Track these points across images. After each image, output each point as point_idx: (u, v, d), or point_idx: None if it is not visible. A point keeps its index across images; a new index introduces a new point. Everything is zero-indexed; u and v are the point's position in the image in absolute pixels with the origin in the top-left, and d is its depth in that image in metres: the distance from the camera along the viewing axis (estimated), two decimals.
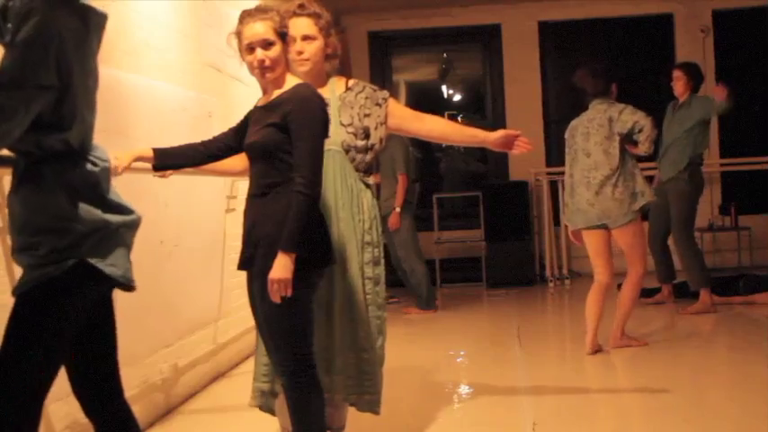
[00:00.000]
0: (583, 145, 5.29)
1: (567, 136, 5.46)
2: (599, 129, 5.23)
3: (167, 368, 4.39)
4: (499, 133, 3.58)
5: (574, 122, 5.43)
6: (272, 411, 3.50)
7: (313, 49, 3.38)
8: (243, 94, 5.50)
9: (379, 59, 10.08)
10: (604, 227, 5.23)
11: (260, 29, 2.91)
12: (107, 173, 2.26)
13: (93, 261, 2.17)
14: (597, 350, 5.31)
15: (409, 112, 3.65)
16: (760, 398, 4.15)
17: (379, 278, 3.54)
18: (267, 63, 2.91)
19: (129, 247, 2.33)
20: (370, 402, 3.49)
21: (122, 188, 3.54)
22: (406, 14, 9.83)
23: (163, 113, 4.50)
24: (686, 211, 6.64)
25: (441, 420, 4.16)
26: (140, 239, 4.16)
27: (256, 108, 2.99)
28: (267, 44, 2.91)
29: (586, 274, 9.13)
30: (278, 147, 2.83)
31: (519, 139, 3.57)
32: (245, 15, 2.97)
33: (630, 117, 5.18)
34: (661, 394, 4.35)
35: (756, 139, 9.57)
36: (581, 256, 9.44)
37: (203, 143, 3.19)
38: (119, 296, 3.31)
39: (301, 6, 3.38)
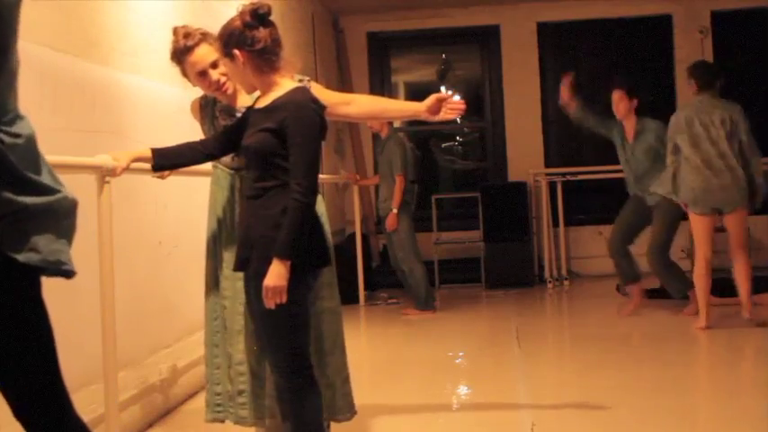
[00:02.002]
0: (705, 134, 5.79)
1: (682, 124, 5.86)
2: (721, 124, 5.76)
3: (166, 369, 4.38)
4: (430, 100, 3.39)
5: (687, 113, 5.88)
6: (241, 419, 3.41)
7: (227, 70, 3.18)
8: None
9: (378, 60, 10.08)
10: (718, 212, 5.89)
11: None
12: (27, 147, 1.91)
13: (5, 251, 1.85)
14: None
15: (334, 98, 3.43)
16: (759, 399, 4.16)
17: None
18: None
19: (61, 231, 1.97)
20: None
21: (121, 189, 3.56)
22: (404, 15, 9.84)
23: (162, 114, 4.50)
24: (672, 231, 6.51)
25: (440, 421, 4.16)
26: (139, 240, 4.19)
27: (253, 110, 2.99)
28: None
29: (585, 275, 9.13)
30: (272, 152, 2.83)
31: (449, 103, 3.39)
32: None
33: (747, 139, 5.84)
34: (659, 394, 4.36)
35: (755, 139, 9.55)
36: (580, 257, 9.44)
37: (201, 142, 3.20)
38: (118, 297, 3.32)
39: (187, 35, 3.30)
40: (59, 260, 1.94)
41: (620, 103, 6.49)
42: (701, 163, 5.80)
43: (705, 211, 5.88)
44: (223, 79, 3.31)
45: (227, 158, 3.35)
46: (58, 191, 1.95)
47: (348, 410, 3.44)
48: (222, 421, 3.46)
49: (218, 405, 3.43)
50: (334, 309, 3.40)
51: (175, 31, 3.33)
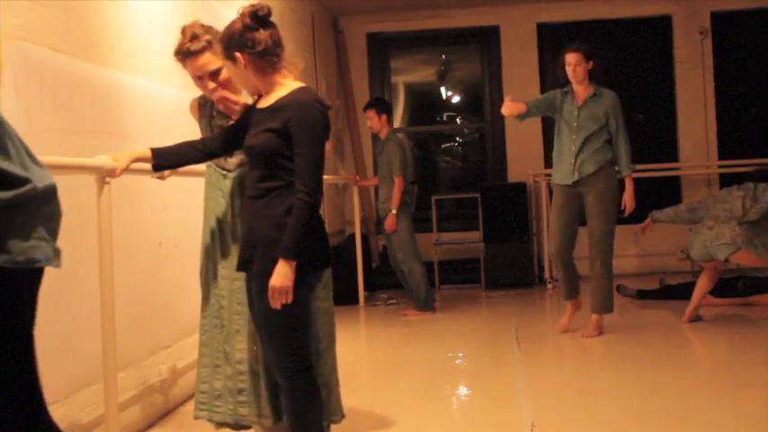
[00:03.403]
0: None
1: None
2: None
3: (166, 370, 4.38)
4: None
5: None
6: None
7: (225, 77, 3.29)
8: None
9: (378, 61, 10.08)
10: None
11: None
12: None
13: None
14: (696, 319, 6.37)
15: None
16: (759, 400, 4.16)
17: None
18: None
19: (36, 224, 1.85)
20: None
21: (121, 190, 3.56)
22: (404, 16, 9.84)
23: (162, 115, 4.50)
24: (615, 208, 5.98)
25: (439, 422, 4.16)
26: (139, 241, 4.18)
27: (256, 109, 2.98)
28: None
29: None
30: (277, 152, 2.83)
31: None
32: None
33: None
34: (660, 395, 4.36)
35: (755, 140, 9.59)
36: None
37: (201, 141, 3.21)
38: (118, 297, 3.32)
39: (194, 38, 3.28)
40: (31, 258, 1.84)
41: (578, 66, 5.98)
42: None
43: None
44: (216, 92, 3.33)
45: (220, 159, 3.36)
46: (27, 181, 1.83)
47: (340, 413, 3.46)
48: (211, 420, 3.47)
49: (202, 403, 3.46)
50: (329, 309, 3.44)
51: (184, 30, 3.33)
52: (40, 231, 1.85)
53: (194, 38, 3.28)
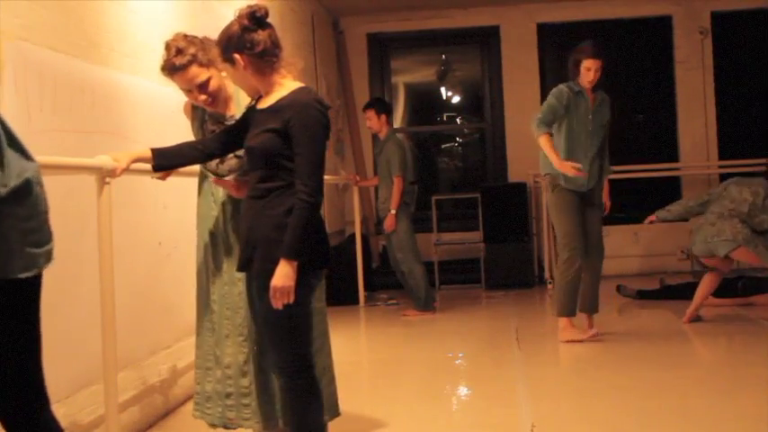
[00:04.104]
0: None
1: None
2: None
3: (166, 370, 4.39)
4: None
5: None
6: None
7: (213, 87, 3.33)
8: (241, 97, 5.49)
9: (378, 61, 10.08)
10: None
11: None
12: None
13: None
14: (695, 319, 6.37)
15: None
16: (759, 400, 4.15)
17: None
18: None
19: (9, 224, 1.72)
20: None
21: (121, 190, 3.56)
22: (404, 16, 9.84)
23: (162, 115, 4.50)
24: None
25: (439, 422, 4.16)
26: (139, 241, 4.18)
27: (256, 110, 2.98)
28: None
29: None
30: (278, 152, 2.84)
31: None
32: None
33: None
34: (660, 395, 4.36)
35: (755, 140, 9.58)
36: None
37: (201, 141, 3.21)
38: (118, 297, 3.32)
39: (179, 53, 3.25)
40: None
41: (597, 72, 5.72)
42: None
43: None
44: (205, 102, 3.35)
45: (212, 163, 3.36)
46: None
47: (329, 412, 3.44)
48: (213, 424, 3.49)
49: (197, 404, 3.50)
50: (322, 309, 3.45)
51: (168, 45, 3.30)
52: (9, 240, 1.72)
53: (179, 52, 3.26)
